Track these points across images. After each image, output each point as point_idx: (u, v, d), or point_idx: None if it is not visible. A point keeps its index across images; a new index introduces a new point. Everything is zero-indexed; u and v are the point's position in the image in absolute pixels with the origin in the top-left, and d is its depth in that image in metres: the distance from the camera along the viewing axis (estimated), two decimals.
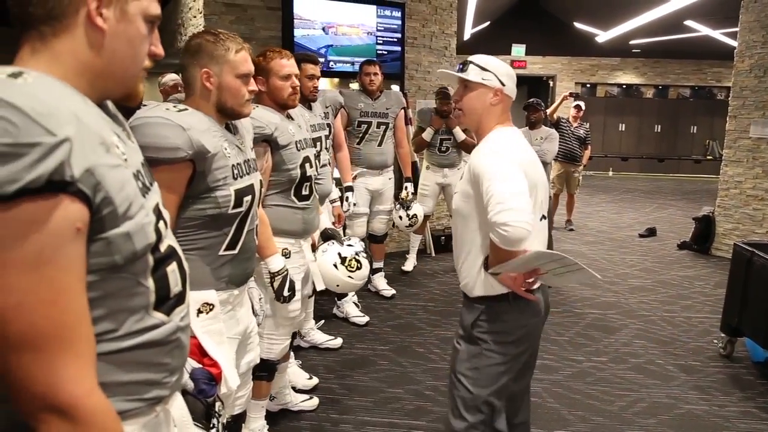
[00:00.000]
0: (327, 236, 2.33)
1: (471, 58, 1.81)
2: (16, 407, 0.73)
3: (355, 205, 3.86)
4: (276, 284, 2.04)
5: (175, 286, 0.94)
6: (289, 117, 2.28)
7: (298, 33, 4.70)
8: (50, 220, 0.69)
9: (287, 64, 2.19)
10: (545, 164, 4.83)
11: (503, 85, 1.78)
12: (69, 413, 0.72)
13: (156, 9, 0.90)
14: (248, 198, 1.64)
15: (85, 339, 0.76)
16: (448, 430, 1.86)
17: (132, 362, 0.87)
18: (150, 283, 0.87)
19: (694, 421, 2.78)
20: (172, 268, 0.93)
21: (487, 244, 1.67)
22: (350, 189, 3.79)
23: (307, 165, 2.26)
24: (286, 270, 2.07)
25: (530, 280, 1.66)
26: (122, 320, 0.84)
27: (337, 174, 3.77)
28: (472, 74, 1.77)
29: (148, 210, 0.86)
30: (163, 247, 0.91)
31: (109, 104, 0.96)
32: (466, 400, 1.80)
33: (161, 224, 0.91)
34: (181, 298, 0.96)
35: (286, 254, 2.23)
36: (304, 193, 2.29)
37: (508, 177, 1.59)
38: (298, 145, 2.23)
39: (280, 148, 2.13)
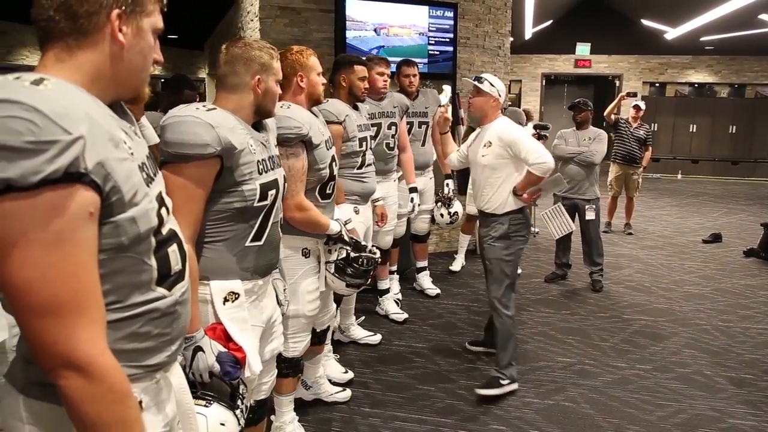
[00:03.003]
0: (336, 239, 2.37)
1: (484, 76, 3.03)
2: (40, 365, 0.85)
3: (419, 205, 3.93)
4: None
5: (175, 265, 1.06)
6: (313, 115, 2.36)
7: (349, 35, 4.79)
8: (68, 205, 0.82)
9: (319, 62, 2.32)
10: (593, 165, 4.71)
11: (499, 95, 3.01)
12: (85, 369, 0.84)
13: (161, 23, 1.04)
14: (273, 192, 1.73)
15: (98, 307, 0.88)
16: (499, 307, 3.01)
17: (135, 331, 0.99)
18: (153, 261, 0.99)
19: None
20: (173, 249, 1.06)
21: (514, 180, 2.95)
22: (415, 190, 3.85)
23: (333, 164, 2.34)
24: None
25: (535, 197, 3.05)
26: (128, 293, 0.97)
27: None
28: (486, 86, 2.98)
29: (152, 197, 0.98)
30: (164, 230, 1.03)
31: (122, 104, 1.08)
32: (509, 277, 2.99)
33: (163, 210, 1.03)
34: (181, 276, 1.08)
35: (306, 253, 2.30)
36: (327, 191, 2.36)
37: (531, 138, 3.00)
38: (327, 144, 2.30)
39: (313, 148, 2.20)
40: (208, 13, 7.87)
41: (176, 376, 1.17)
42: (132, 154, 0.95)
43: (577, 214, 4.72)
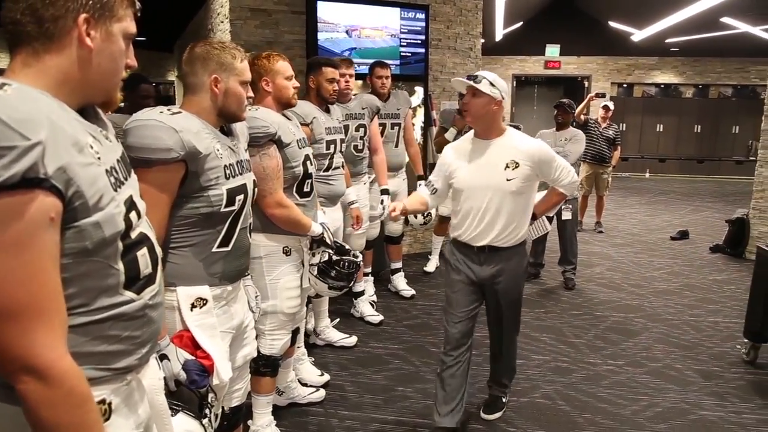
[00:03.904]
0: (319, 242, 2.38)
1: (482, 73, 2.38)
2: None
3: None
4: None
5: (145, 269, 1.06)
6: (285, 117, 2.36)
7: (321, 36, 4.77)
8: (27, 210, 0.81)
9: (289, 66, 2.31)
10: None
11: (503, 98, 2.37)
12: (43, 374, 0.84)
13: (133, 28, 1.04)
14: (240, 197, 1.71)
15: (58, 312, 0.88)
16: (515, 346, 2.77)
17: (102, 335, 0.99)
18: (120, 265, 0.99)
19: (708, 428, 2.72)
20: (142, 253, 1.05)
21: (531, 208, 2.52)
22: (386, 192, 3.85)
23: (308, 162, 2.36)
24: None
25: None
26: (94, 297, 0.96)
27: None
28: (484, 86, 2.33)
29: (119, 202, 0.98)
30: (133, 234, 1.03)
31: (95, 108, 1.08)
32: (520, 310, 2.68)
33: (132, 214, 1.03)
34: (151, 279, 1.08)
35: (287, 251, 2.30)
36: (305, 190, 2.38)
37: (556, 154, 2.53)
38: (299, 144, 2.31)
39: (283, 147, 2.21)
40: (177, 15, 7.76)
41: (148, 377, 1.17)
42: (99, 158, 0.94)
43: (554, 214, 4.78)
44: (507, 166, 2.36)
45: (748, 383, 3.15)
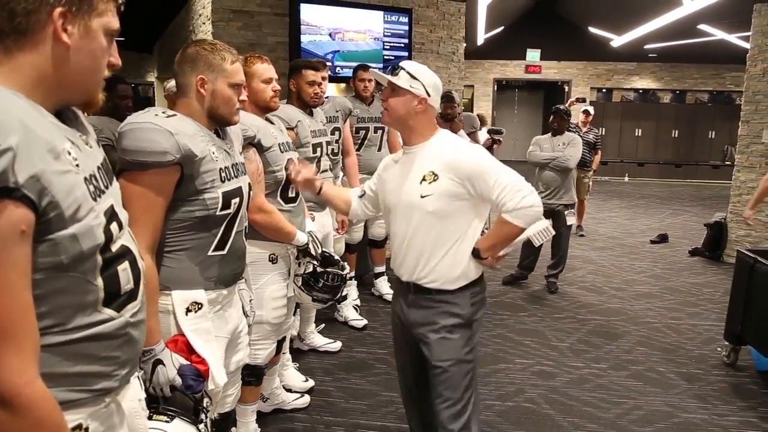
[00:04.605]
0: (304, 252, 2.33)
1: (403, 64, 1.87)
2: None
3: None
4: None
5: (126, 284, 0.99)
6: (268, 121, 2.32)
7: (305, 39, 4.74)
8: None
9: (268, 68, 2.26)
10: (568, 170, 4.79)
11: (428, 95, 1.85)
12: (8, 402, 0.77)
13: (116, 24, 0.96)
14: (236, 200, 1.68)
15: (28, 332, 0.80)
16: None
17: (79, 354, 0.91)
18: (99, 281, 0.92)
19: (692, 430, 2.74)
20: (123, 267, 0.98)
21: (471, 236, 1.86)
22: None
23: (291, 167, 2.30)
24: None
25: (502, 257, 1.93)
26: (70, 315, 0.89)
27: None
28: (402, 80, 1.83)
29: (99, 213, 0.91)
30: (114, 248, 0.96)
31: (76, 110, 1.01)
32: (472, 377, 1.94)
33: (113, 225, 0.96)
34: (133, 295, 1.01)
35: (273, 259, 2.26)
36: (290, 195, 2.34)
37: (505, 168, 1.81)
38: (281, 147, 2.27)
39: (264, 151, 2.18)
40: (157, 15, 7.66)
41: (128, 399, 1.10)
42: (77, 165, 0.88)
43: (551, 219, 4.80)
44: (423, 179, 1.81)
45: (730, 386, 3.19)
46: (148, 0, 6.41)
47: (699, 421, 2.82)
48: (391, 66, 1.86)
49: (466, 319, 1.89)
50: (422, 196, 1.81)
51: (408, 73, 1.83)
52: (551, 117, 4.95)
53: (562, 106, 5.03)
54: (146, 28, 8.76)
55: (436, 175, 1.80)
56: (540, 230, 1.97)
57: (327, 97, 3.64)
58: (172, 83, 4.86)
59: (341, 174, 3.82)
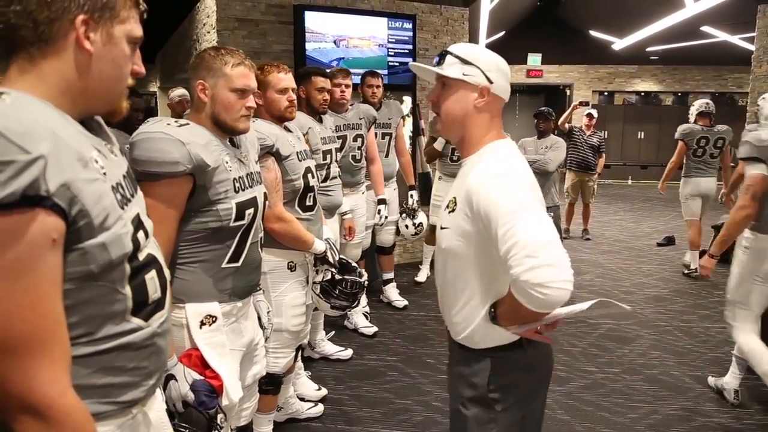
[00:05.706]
0: (322, 260, 2.32)
1: (451, 47, 1.43)
2: None
3: (386, 218, 3.91)
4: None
5: (153, 293, 0.98)
6: (287, 129, 2.30)
7: (309, 46, 4.74)
8: (27, 231, 0.74)
9: (284, 78, 2.21)
10: (547, 173, 4.74)
11: (491, 82, 1.38)
12: (43, 413, 0.76)
13: (139, 31, 0.96)
14: (250, 211, 1.66)
15: (60, 343, 0.80)
16: None
17: (108, 366, 0.90)
18: (127, 290, 0.91)
19: None
20: (150, 276, 0.97)
21: (491, 293, 1.36)
22: (383, 201, 3.82)
23: (309, 175, 2.30)
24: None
25: (551, 329, 1.35)
26: (99, 325, 0.88)
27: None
28: (451, 69, 1.38)
29: (126, 221, 0.90)
30: (141, 256, 0.95)
31: (99, 119, 1.00)
32: None
33: (140, 234, 0.95)
34: (160, 304, 1.00)
35: (292, 267, 2.25)
36: (308, 203, 2.32)
37: (534, 217, 1.20)
38: (299, 156, 2.25)
39: (282, 159, 2.16)
40: (159, 25, 7.68)
41: (155, 410, 1.09)
42: (104, 174, 0.87)
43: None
44: (447, 206, 1.43)
45: (746, 389, 3.16)
46: (150, 9, 6.43)
47: (716, 425, 2.79)
48: (438, 56, 1.42)
49: (481, 393, 1.41)
50: (442, 227, 1.44)
51: (457, 57, 1.37)
52: (537, 119, 4.93)
53: (543, 108, 4.99)
54: (148, 37, 8.77)
55: (455, 204, 1.38)
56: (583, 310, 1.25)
57: (351, 104, 3.66)
58: (174, 93, 4.89)
59: (365, 181, 3.83)
